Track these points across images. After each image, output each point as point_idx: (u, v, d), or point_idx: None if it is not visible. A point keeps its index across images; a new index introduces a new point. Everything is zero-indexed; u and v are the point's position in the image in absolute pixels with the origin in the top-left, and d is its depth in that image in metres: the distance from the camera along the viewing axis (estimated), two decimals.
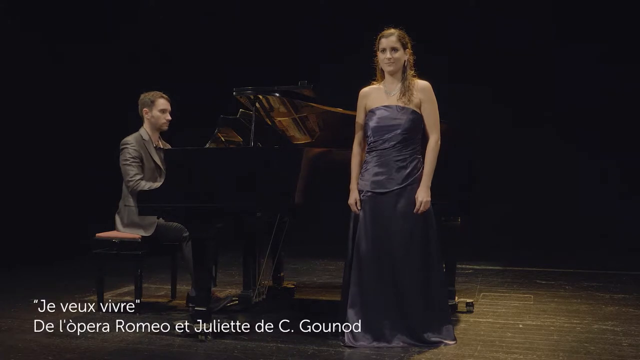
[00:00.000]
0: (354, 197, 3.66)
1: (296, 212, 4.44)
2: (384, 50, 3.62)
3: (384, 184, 3.60)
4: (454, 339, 3.61)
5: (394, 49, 3.61)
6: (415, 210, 3.56)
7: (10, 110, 6.92)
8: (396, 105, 3.62)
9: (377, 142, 3.63)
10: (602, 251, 6.63)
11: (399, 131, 3.59)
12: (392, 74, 3.65)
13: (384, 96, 3.66)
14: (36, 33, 7.08)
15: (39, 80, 7.10)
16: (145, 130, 4.48)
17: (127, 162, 4.33)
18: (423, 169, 3.63)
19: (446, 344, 3.56)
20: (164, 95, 4.51)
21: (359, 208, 3.63)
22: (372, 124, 3.64)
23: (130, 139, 4.41)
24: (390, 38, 3.62)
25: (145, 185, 4.23)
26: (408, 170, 3.60)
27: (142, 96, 4.50)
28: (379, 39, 3.65)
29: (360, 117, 3.72)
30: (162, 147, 4.51)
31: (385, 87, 3.68)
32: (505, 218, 7.11)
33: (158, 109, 4.47)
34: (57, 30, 7.21)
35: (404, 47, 3.63)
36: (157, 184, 4.11)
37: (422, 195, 3.57)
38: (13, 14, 6.86)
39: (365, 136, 3.71)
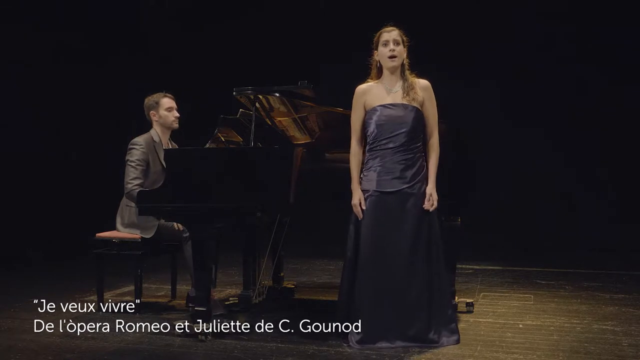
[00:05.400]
0: (357, 197, 3.61)
1: (296, 211, 4.45)
2: (386, 43, 3.59)
3: (391, 183, 3.56)
4: (458, 340, 3.59)
5: (396, 42, 3.59)
6: (427, 207, 3.54)
7: (12, 110, 6.93)
8: (402, 104, 3.59)
9: (382, 140, 3.59)
10: (602, 251, 6.63)
11: (405, 129, 3.56)
12: (393, 70, 3.62)
13: (384, 93, 3.63)
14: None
15: (43, 80, 7.11)
16: (155, 132, 4.47)
17: (132, 165, 4.32)
18: (427, 167, 3.63)
19: (449, 344, 3.55)
20: (167, 94, 4.51)
21: (363, 208, 3.61)
22: (376, 122, 3.59)
23: (140, 140, 4.39)
24: (392, 32, 3.60)
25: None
26: (415, 169, 3.58)
27: (146, 100, 4.50)
28: (380, 34, 3.62)
29: (358, 115, 3.66)
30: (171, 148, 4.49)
31: (384, 84, 3.65)
32: (505, 218, 7.11)
33: (164, 108, 4.46)
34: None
35: (403, 44, 3.63)
36: None
37: (434, 193, 3.57)
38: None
39: (364, 134, 3.68)
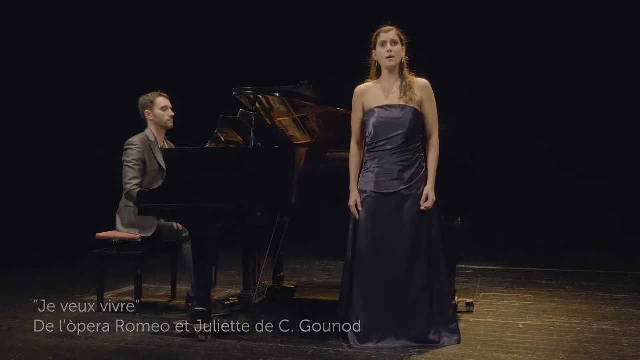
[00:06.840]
0: (354, 198, 3.61)
1: (295, 211, 4.44)
2: (383, 43, 3.59)
3: (389, 184, 3.56)
4: (459, 340, 3.59)
5: (394, 42, 3.58)
6: (424, 207, 3.53)
7: (12, 110, 6.93)
8: (398, 105, 3.59)
9: (379, 142, 3.59)
10: (601, 251, 6.63)
11: (402, 131, 3.56)
12: (391, 70, 3.61)
13: (382, 94, 3.62)
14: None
15: (43, 80, 7.11)
16: (150, 131, 4.48)
17: (130, 165, 4.32)
18: (426, 168, 3.62)
19: (450, 344, 3.55)
20: (162, 93, 4.52)
21: (360, 210, 3.61)
22: (373, 123, 3.59)
23: (136, 139, 4.40)
24: (390, 32, 3.60)
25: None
26: (413, 170, 3.58)
27: (140, 100, 4.51)
28: (377, 34, 3.62)
29: (357, 116, 3.67)
30: (167, 148, 4.50)
31: (382, 84, 3.65)
32: (506, 218, 7.11)
33: (159, 107, 4.47)
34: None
35: (402, 43, 3.62)
36: None
37: (431, 193, 3.56)
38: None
39: (363, 135, 3.68)
